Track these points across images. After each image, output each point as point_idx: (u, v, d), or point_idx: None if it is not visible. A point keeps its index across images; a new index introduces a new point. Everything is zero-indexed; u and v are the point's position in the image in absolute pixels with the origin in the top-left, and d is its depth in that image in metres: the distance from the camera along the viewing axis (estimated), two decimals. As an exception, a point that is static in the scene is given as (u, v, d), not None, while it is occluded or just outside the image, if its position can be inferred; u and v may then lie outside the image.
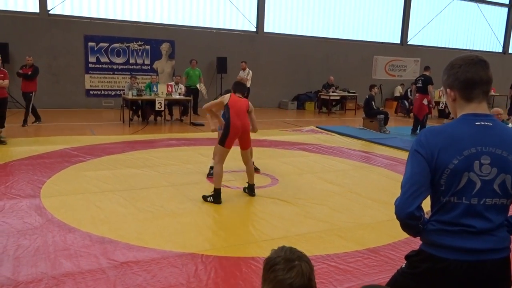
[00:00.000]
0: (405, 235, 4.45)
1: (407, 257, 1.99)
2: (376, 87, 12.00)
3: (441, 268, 1.79)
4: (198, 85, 13.26)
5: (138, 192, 5.48)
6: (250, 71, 13.63)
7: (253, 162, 5.94)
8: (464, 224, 1.76)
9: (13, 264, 3.43)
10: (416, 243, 4.40)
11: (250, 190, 5.64)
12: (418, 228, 1.83)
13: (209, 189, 5.78)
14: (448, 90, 1.89)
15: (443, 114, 15.52)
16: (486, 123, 1.79)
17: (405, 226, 1.84)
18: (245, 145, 5.48)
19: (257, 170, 6.46)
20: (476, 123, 1.79)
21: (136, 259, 3.62)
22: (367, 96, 12.00)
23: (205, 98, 12.85)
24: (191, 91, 12.93)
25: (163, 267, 3.50)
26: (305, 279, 1.56)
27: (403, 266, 1.99)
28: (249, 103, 5.50)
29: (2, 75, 8.34)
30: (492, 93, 20.17)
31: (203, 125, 11.22)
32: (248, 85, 12.93)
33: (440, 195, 1.79)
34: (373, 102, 11.61)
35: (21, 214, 4.52)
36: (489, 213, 1.76)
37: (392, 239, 4.26)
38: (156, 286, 3.19)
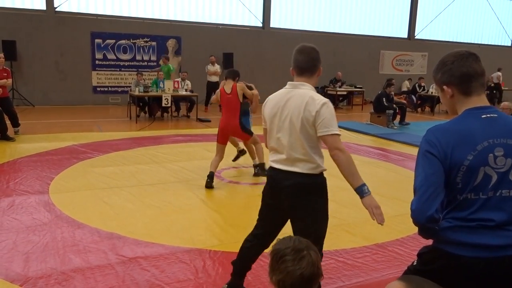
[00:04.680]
0: (413, 230, 4.43)
1: (419, 254, 1.95)
2: (393, 87, 11.89)
3: (457, 266, 1.76)
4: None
5: (145, 188, 5.50)
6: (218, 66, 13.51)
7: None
8: (481, 219, 1.73)
9: (23, 260, 3.45)
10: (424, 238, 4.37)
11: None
12: (435, 230, 1.79)
13: (216, 185, 5.79)
14: (444, 87, 1.86)
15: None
16: (491, 115, 1.78)
17: (424, 231, 1.79)
18: (243, 139, 5.99)
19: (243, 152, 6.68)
20: (483, 116, 1.77)
21: (145, 254, 3.63)
22: (379, 92, 11.93)
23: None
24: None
25: (171, 262, 3.51)
26: (314, 268, 1.58)
27: (415, 263, 1.96)
28: (238, 86, 5.70)
29: (6, 74, 8.32)
30: (502, 87, 20.01)
31: (209, 121, 11.23)
32: (216, 79, 13.09)
33: (456, 193, 1.76)
34: (384, 98, 11.51)
35: (30, 210, 4.55)
36: (506, 205, 1.74)
37: (401, 234, 4.24)
38: (164, 281, 3.20)
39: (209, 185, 5.56)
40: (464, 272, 1.74)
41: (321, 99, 2.46)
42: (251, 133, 5.96)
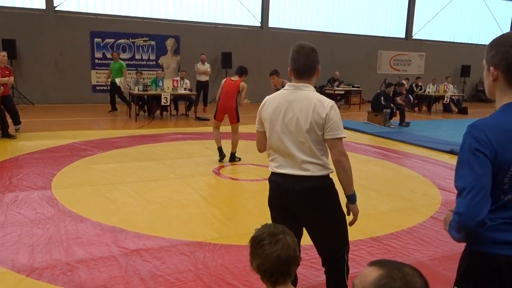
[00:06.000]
0: (407, 225, 4.54)
1: (462, 274, 1.79)
2: (392, 87, 12.04)
3: (495, 265, 1.66)
4: (117, 80, 11.84)
5: (146, 184, 5.60)
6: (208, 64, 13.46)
7: (235, 154, 7.03)
8: None
9: (28, 252, 3.56)
10: (419, 232, 4.48)
11: (231, 157, 6.96)
12: (478, 233, 1.65)
13: (215, 182, 5.93)
14: (491, 68, 1.68)
15: (448, 108, 15.54)
16: None
17: (472, 235, 1.65)
18: (231, 121, 6.92)
19: (238, 159, 7.10)
20: None
21: (146, 247, 3.74)
22: (378, 91, 12.10)
23: (124, 93, 11.94)
24: (112, 86, 12.03)
25: (172, 254, 3.61)
26: (290, 250, 1.69)
27: None
28: (242, 83, 6.81)
29: (8, 72, 8.41)
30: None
31: (208, 119, 11.33)
32: (206, 78, 13.05)
33: (500, 193, 1.63)
34: (382, 97, 11.65)
35: (34, 205, 4.65)
36: None
37: (395, 228, 4.37)
38: (166, 272, 3.31)
39: (222, 158, 6.88)
40: (502, 271, 1.65)
41: (328, 101, 2.43)
42: (239, 120, 6.95)
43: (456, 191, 1.65)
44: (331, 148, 2.44)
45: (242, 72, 6.95)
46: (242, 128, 9.55)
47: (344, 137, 2.45)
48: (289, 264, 1.70)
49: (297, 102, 2.44)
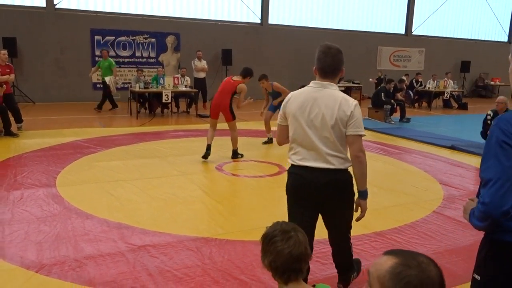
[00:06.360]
0: (410, 220, 4.58)
1: (480, 262, 1.86)
2: (392, 83, 12.07)
3: None
4: (106, 78, 11.69)
5: (150, 181, 5.64)
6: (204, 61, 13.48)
7: (237, 151, 7.01)
8: None
9: (36, 249, 3.59)
10: (422, 227, 4.52)
11: (233, 154, 6.91)
12: (502, 222, 1.70)
13: (218, 178, 5.97)
14: None
15: (448, 104, 15.58)
16: None
17: (495, 225, 1.70)
18: (226, 119, 6.77)
19: (241, 155, 7.09)
20: None
21: (153, 243, 3.78)
22: (379, 87, 12.13)
23: (114, 92, 12.01)
24: (104, 85, 11.86)
25: (179, 250, 3.66)
26: (302, 247, 1.71)
27: (478, 277, 1.85)
28: (240, 85, 6.61)
29: (9, 70, 8.40)
30: (497, 82, 20.18)
31: (208, 116, 11.35)
32: (203, 75, 13.07)
33: None
34: (382, 93, 11.69)
35: (40, 203, 4.69)
36: None
37: (398, 223, 4.41)
38: (173, 267, 3.35)
39: (206, 156, 6.64)
40: None
41: (352, 100, 2.62)
42: (234, 117, 6.81)
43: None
44: (351, 144, 2.61)
45: (246, 73, 6.72)
46: (243, 125, 9.60)
47: (364, 135, 2.63)
48: (301, 261, 1.71)
49: (322, 99, 2.60)
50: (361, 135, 2.59)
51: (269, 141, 8.13)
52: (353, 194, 2.78)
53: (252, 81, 8.02)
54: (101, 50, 12.34)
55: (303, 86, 2.77)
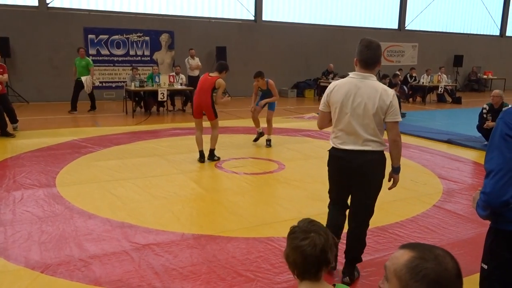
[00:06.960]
0: (411, 214, 4.61)
1: (488, 251, 1.89)
2: (387, 78, 12.11)
3: None
4: (83, 78, 11.29)
5: (150, 179, 5.63)
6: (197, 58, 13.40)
7: (214, 152, 6.80)
8: None
9: (40, 249, 3.59)
10: (423, 221, 4.54)
11: (210, 155, 6.73)
12: (503, 211, 1.76)
13: (218, 176, 5.97)
14: None
15: (442, 98, 15.68)
16: None
17: (495, 213, 1.76)
18: (208, 117, 6.62)
19: (217, 158, 6.84)
20: None
21: (157, 241, 3.78)
22: None
23: (88, 93, 11.56)
24: (76, 84, 11.39)
25: (183, 248, 3.66)
26: (316, 250, 1.66)
27: (485, 266, 1.90)
28: (218, 80, 6.45)
29: (1, 70, 8.27)
30: (490, 76, 20.32)
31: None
32: (197, 73, 12.92)
33: None
34: None
35: (40, 203, 4.67)
36: None
37: (399, 218, 4.45)
38: (179, 265, 3.36)
39: (201, 161, 6.57)
40: None
41: (390, 90, 2.95)
42: (216, 116, 6.66)
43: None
44: (390, 130, 2.98)
45: (222, 68, 6.58)
46: (243, 122, 9.56)
47: (400, 121, 2.99)
48: (313, 264, 1.67)
49: (365, 90, 2.92)
50: (397, 122, 2.96)
51: (260, 135, 7.98)
52: (383, 176, 3.08)
53: (250, 78, 8.02)
54: (78, 48, 11.66)
55: (297, 83, 2.97)
